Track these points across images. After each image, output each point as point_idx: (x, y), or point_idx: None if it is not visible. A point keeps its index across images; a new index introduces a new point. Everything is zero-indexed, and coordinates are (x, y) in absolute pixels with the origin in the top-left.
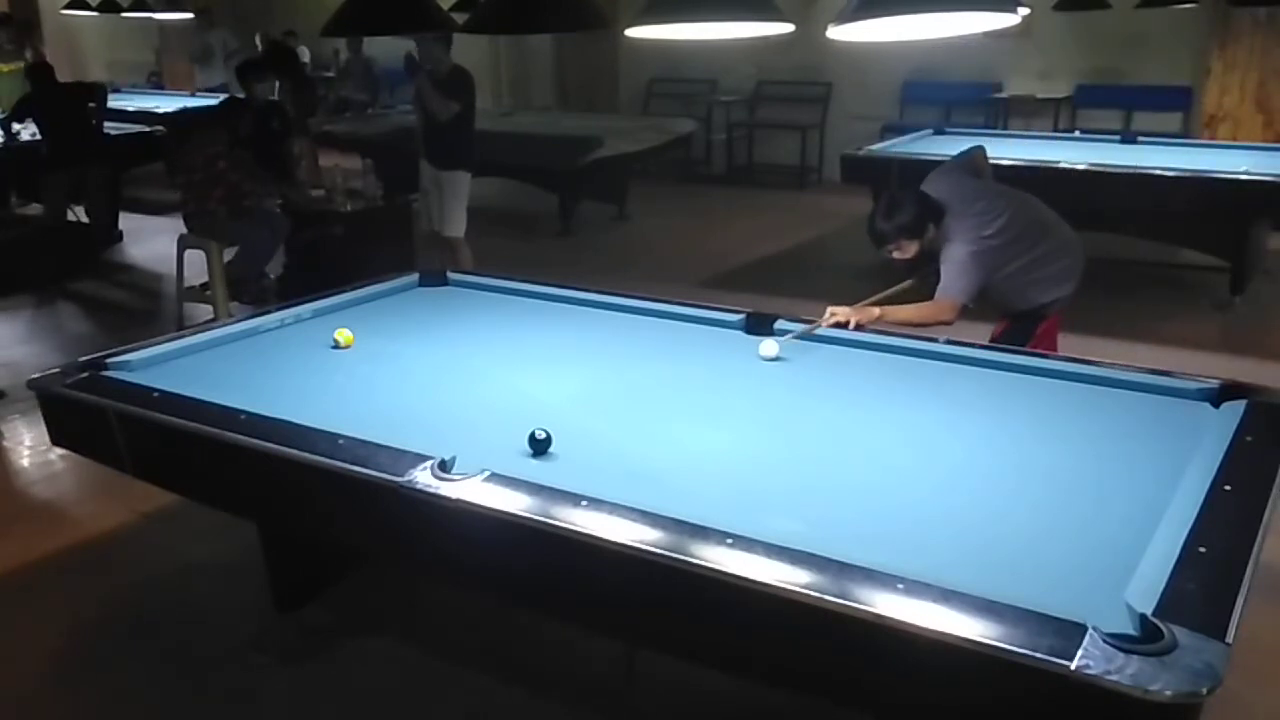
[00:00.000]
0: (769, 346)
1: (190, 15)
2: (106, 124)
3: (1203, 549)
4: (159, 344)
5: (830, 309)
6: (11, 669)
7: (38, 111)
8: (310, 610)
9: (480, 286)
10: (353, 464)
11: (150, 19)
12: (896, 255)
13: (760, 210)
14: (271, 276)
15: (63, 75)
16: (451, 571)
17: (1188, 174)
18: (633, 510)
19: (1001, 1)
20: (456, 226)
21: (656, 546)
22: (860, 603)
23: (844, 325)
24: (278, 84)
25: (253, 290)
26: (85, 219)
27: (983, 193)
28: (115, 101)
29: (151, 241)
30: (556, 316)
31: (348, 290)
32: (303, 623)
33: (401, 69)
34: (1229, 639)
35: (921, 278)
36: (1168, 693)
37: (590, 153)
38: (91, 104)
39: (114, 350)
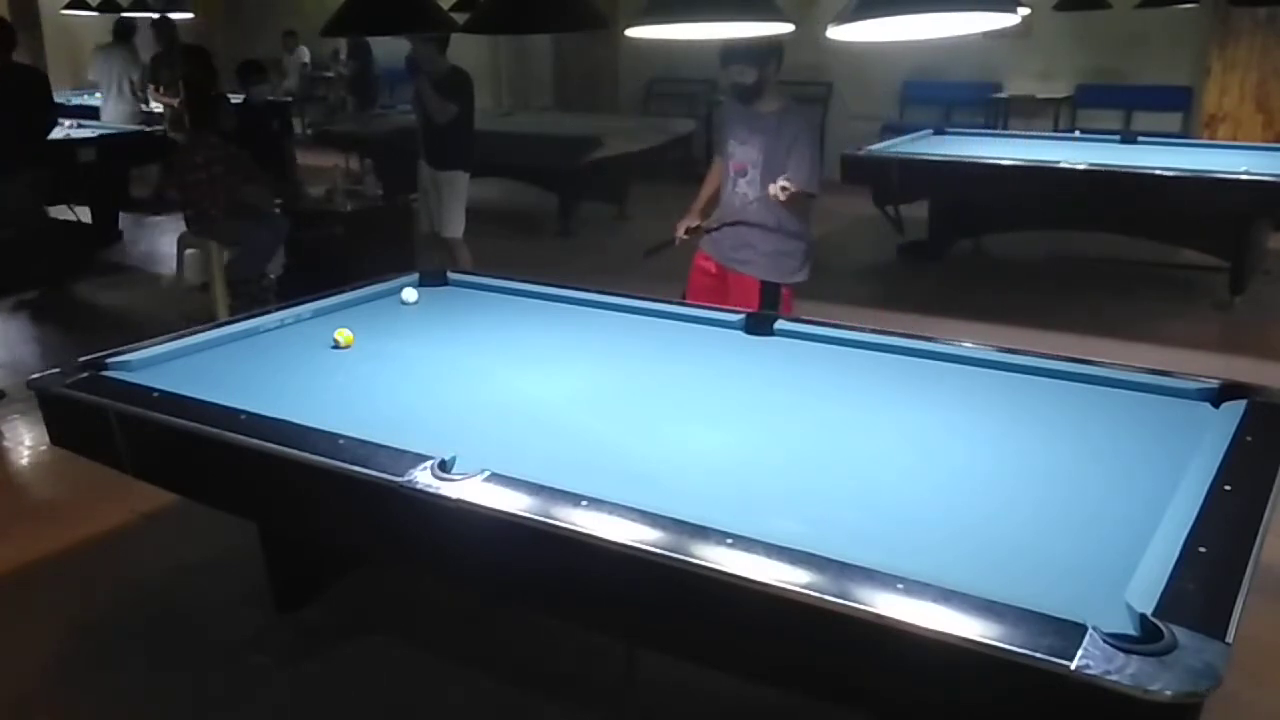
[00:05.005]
0: (409, 293)
1: (190, 15)
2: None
3: (1203, 549)
4: (159, 344)
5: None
6: (11, 669)
7: None
8: (310, 610)
9: (480, 286)
10: (353, 464)
11: (150, 19)
12: (735, 78)
13: None
14: (271, 276)
15: (62, 75)
16: (452, 571)
17: (1188, 174)
18: (633, 510)
19: (1001, 1)
20: (455, 227)
21: (657, 546)
22: (860, 603)
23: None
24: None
25: (253, 290)
26: (86, 219)
27: None
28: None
29: (151, 241)
30: (556, 316)
31: (348, 290)
32: (303, 623)
33: (403, 69)
34: (1229, 639)
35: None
36: (1168, 692)
37: (590, 153)
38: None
39: (114, 350)
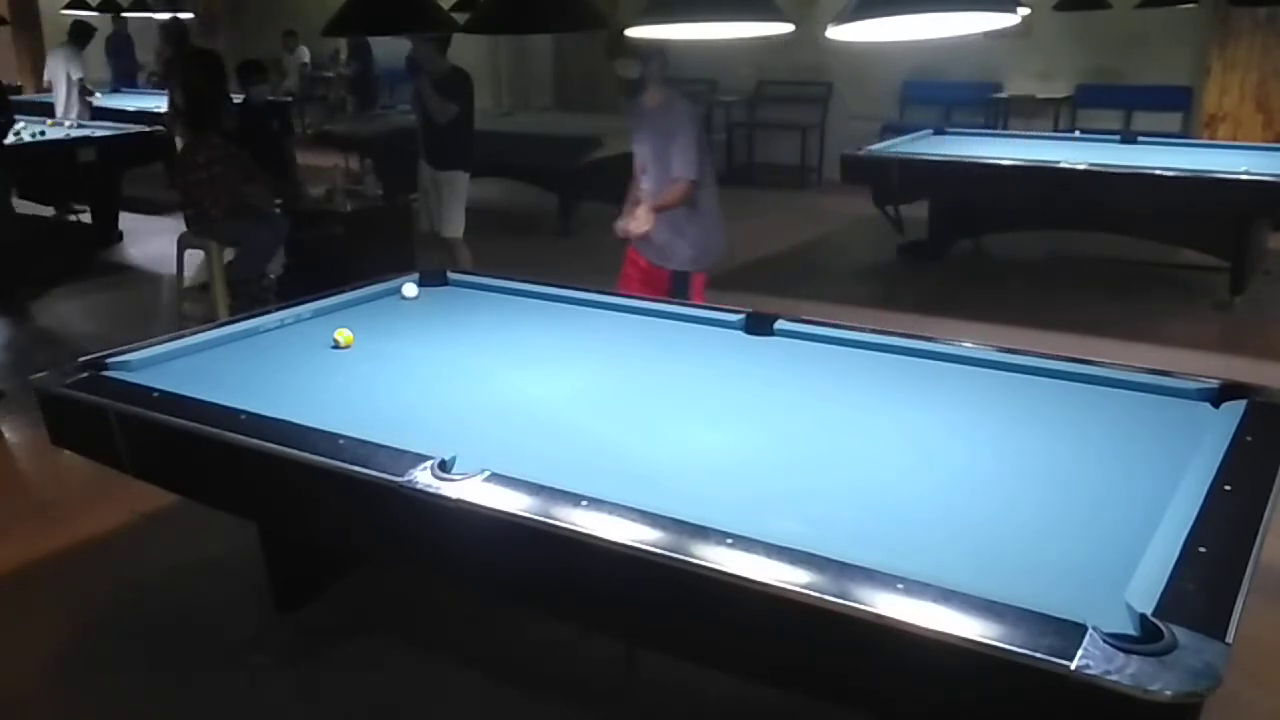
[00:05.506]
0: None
1: (190, 15)
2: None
3: (1203, 549)
4: (159, 344)
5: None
6: (12, 669)
7: None
8: (310, 610)
9: (480, 286)
10: (353, 464)
11: (150, 19)
12: (619, 72)
13: (760, 210)
14: (271, 276)
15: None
16: (452, 571)
17: (1188, 174)
18: (633, 510)
19: (1001, 1)
20: (455, 227)
21: (657, 546)
22: (860, 603)
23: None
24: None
25: (253, 290)
26: (88, 219)
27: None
28: (115, 102)
29: (151, 241)
30: (556, 316)
31: (348, 290)
32: (303, 623)
33: (403, 69)
34: (1229, 639)
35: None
36: (1168, 693)
37: (590, 153)
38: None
39: (114, 350)
